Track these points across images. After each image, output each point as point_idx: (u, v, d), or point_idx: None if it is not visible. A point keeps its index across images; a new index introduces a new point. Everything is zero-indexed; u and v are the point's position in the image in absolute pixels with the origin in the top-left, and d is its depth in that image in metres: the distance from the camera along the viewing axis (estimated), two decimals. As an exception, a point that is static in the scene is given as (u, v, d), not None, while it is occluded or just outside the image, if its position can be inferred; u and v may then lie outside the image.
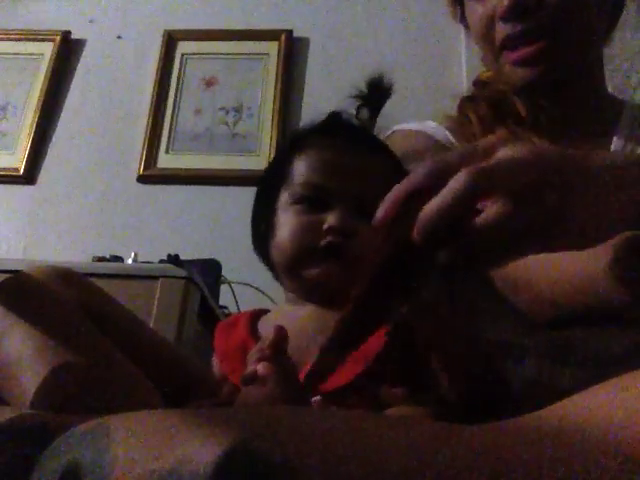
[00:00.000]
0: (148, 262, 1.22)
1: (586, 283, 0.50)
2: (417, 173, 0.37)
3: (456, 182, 0.34)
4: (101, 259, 1.26)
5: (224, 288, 1.39)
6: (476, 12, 0.73)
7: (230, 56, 2.01)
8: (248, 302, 1.35)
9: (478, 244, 0.35)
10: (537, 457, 0.27)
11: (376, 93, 0.71)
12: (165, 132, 1.90)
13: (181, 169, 1.85)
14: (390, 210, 0.37)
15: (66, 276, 0.62)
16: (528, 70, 0.70)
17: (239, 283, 1.41)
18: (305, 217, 0.63)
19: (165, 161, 1.86)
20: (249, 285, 1.37)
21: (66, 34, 2.09)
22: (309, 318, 0.62)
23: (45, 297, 0.56)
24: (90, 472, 0.27)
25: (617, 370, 0.31)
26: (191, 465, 0.25)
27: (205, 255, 1.39)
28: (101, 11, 2.15)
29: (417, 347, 0.57)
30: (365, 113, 0.71)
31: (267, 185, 0.71)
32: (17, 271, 0.59)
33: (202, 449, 0.25)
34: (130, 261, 1.25)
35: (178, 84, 1.98)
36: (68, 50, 2.07)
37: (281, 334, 0.52)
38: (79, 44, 2.10)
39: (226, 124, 1.90)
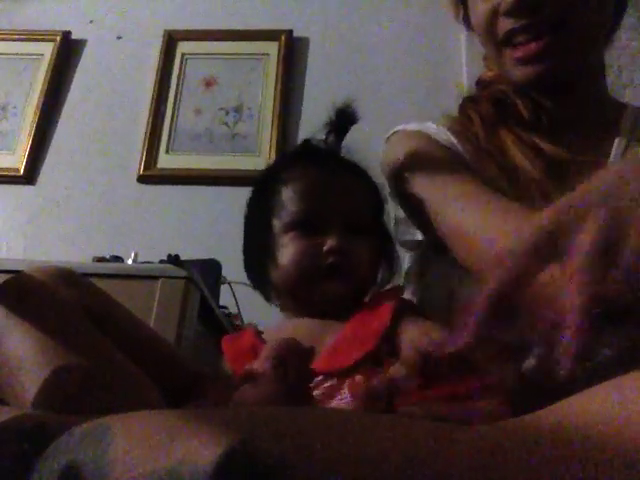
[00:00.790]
0: (148, 262, 1.21)
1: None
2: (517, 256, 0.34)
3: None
4: (101, 259, 1.26)
5: (224, 288, 1.39)
6: (480, 7, 0.72)
7: (230, 56, 2.01)
8: (248, 302, 1.35)
9: None
10: (537, 457, 0.27)
11: (342, 120, 0.77)
12: (165, 132, 1.90)
13: (181, 169, 1.85)
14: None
15: (67, 276, 0.62)
16: (530, 68, 0.69)
17: (239, 283, 1.40)
18: (303, 242, 0.68)
19: (165, 161, 1.86)
20: (249, 285, 1.37)
21: (66, 34, 2.09)
22: (308, 328, 0.66)
23: (46, 298, 0.56)
24: (90, 472, 0.27)
25: (613, 371, 0.31)
26: (191, 465, 0.25)
27: (205, 255, 1.39)
28: (101, 11, 2.15)
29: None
30: (332, 139, 0.77)
31: (256, 216, 0.76)
32: (17, 271, 0.58)
33: (202, 449, 0.25)
34: (130, 261, 1.25)
35: (178, 84, 1.98)
36: (68, 50, 2.08)
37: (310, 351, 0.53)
38: (79, 44, 2.10)
39: (226, 124, 1.90)
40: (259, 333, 0.72)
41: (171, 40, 2.04)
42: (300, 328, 0.66)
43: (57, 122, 1.98)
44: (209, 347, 1.15)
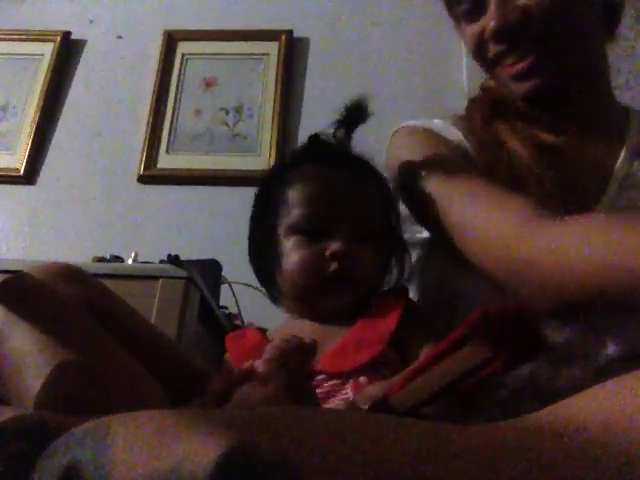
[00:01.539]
0: (148, 262, 1.22)
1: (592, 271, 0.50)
2: None
3: None
4: (101, 259, 1.26)
5: (224, 288, 1.39)
6: (467, 32, 0.75)
7: (230, 56, 2.01)
8: (248, 302, 1.35)
9: None
10: (537, 457, 0.27)
11: (353, 114, 0.75)
12: (165, 132, 1.90)
13: (181, 169, 1.85)
14: None
15: (68, 273, 0.62)
16: (525, 84, 0.70)
17: (239, 283, 1.40)
18: (307, 248, 0.67)
19: (165, 161, 1.86)
20: (249, 285, 1.37)
21: (66, 34, 2.09)
22: (312, 330, 0.66)
23: (47, 295, 0.56)
24: (90, 472, 0.27)
25: (613, 372, 0.31)
26: (191, 465, 0.25)
27: (205, 255, 1.39)
28: (101, 11, 2.15)
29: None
30: (341, 133, 0.75)
31: (261, 217, 0.75)
32: (17, 271, 0.58)
33: (202, 449, 0.25)
34: (130, 261, 1.25)
35: (178, 84, 1.98)
36: (68, 50, 2.07)
37: (314, 345, 0.53)
38: (79, 44, 2.10)
39: (226, 124, 1.90)
40: (263, 331, 0.72)
41: (171, 40, 2.04)
42: (305, 329, 0.66)
43: (57, 122, 1.97)
44: (209, 347, 1.15)
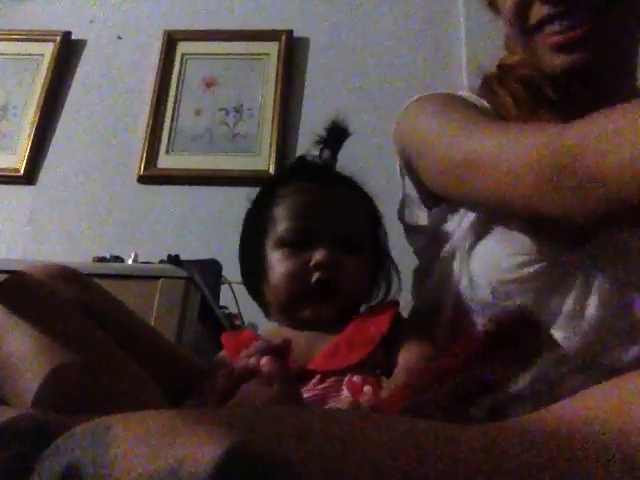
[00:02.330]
0: (148, 262, 1.22)
1: None
2: None
3: None
4: (101, 259, 1.26)
5: (224, 288, 1.39)
6: None
7: (230, 56, 2.01)
8: (248, 302, 1.34)
9: None
10: (537, 457, 0.27)
11: (335, 135, 0.78)
12: (165, 132, 1.90)
13: (181, 169, 1.85)
14: None
15: (66, 274, 0.62)
16: (569, 57, 0.64)
17: (239, 283, 1.40)
18: (292, 260, 0.69)
19: (165, 161, 1.86)
20: (249, 285, 1.37)
21: (66, 34, 2.09)
22: (302, 336, 0.67)
23: (45, 296, 0.56)
24: (90, 472, 0.27)
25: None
26: (191, 465, 0.25)
27: (205, 255, 1.39)
28: (101, 11, 2.15)
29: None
30: (327, 154, 0.78)
31: (251, 231, 0.78)
32: (17, 271, 0.58)
33: (202, 449, 0.25)
34: (130, 261, 1.25)
35: (178, 84, 1.98)
36: (68, 50, 2.08)
37: (288, 343, 0.53)
38: (79, 44, 2.10)
39: (226, 124, 1.90)
40: (257, 334, 0.73)
41: (171, 40, 2.04)
42: (295, 338, 0.67)
43: (57, 122, 1.98)
44: (209, 347, 1.15)
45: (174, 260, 1.16)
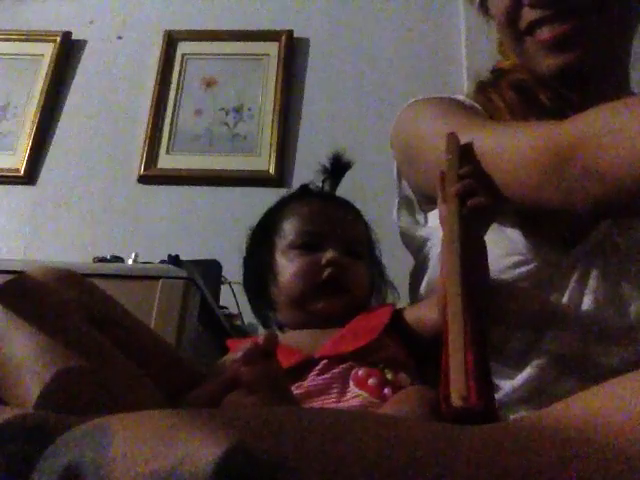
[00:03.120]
0: (148, 262, 1.22)
1: None
2: None
3: None
4: (101, 259, 1.26)
5: (224, 288, 1.39)
6: None
7: (230, 56, 2.01)
8: (248, 302, 1.35)
9: None
10: (537, 457, 0.27)
11: (336, 168, 0.84)
12: (165, 132, 1.90)
13: (181, 169, 1.85)
14: None
15: (67, 277, 0.62)
16: (560, 56, 0.66)
17: (240, 283, 1.40)
18: (304, 258, 0.74)
19: (165, 161, 1.86)
20: (249, 285, 1.37)
21: (66, 35, 2.09)
22: (308, 336, 0.70)
23: (46, 299, 0.56)
24: (90, 472, 0.27)
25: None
26: (191, 465, 0.25)
27: (205, 255, 1.39)
28: (101, 12, 2.15)
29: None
30: (327, 185, 0.85)
31: (258, 241, 0.82)
32: (17, 271, 0.58)
33: (202, 449, 0.25)
34: (130, 261, 1.25)
35: (178, 84, 1.98)
36: (68, 51, 2.08)
37: (271, 338, 0.54)
38: (79, 45, 2.10)
39: (226, 124, 1.90)
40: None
41: (171, 40, 2.04)
42: (301, 335, 0.71)
43: (57, 122, 1.98)
44: (209, 347, 1.15)
45: (174, 260, 1.16)
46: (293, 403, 0.54)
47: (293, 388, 0.60)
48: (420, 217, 0.77)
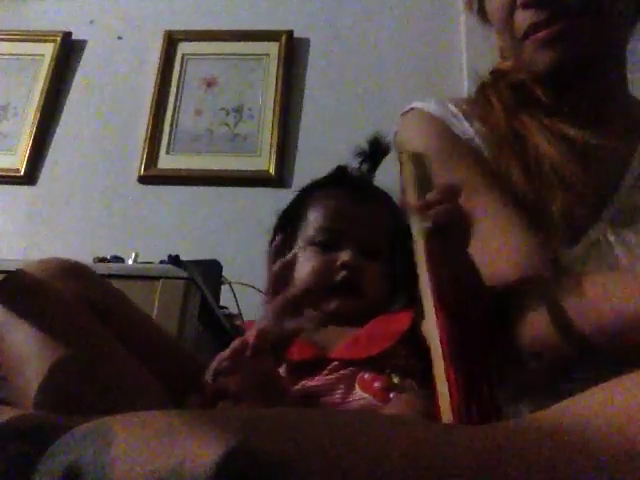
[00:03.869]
0: (149, 263, 1.22)
1: None
2: None
3: None
4: (102, 259, 1.26)
5: (225, 289, 1.39)
6: (496, 0, 0.71)
7: (231, 57, 2.01)
8: (249, 303, 1.35)
9: None
10: (537, 457, 0.27)
11: (375, 150, 0.82)
12: (166, 133, 1.90)
13: (182, 170, 1.85)
14: None
15: (68, 269, 0.62)
16: (556, 52, 0.67)
17: (240, 283, 1.40)
18: (321, 257, 0.74)
19: (166, 162, 1.86)
20: (250, 285, 1.37)
21: (67, 35, 2.09)
22: (324, 334, 0.70)
23: (45, 293, 0.56)
24: (91, 472, 0.27)
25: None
26: (192, 465, 0.25)
27: (206, 255, 1.39)
28: (101, 12, 2.15)
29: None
30: (365, 167, 0.83)
31: (283, 233, 0.81)
32: (16, 269, 0.58)
33: (203, 449, 0.25)
34: (131, 262, 1.25)
35: (179, 85, 1.98)
36: (69, 51, 2.07)
37: (262, 335, 0.54)
38: (80, 45, 2.10)
39: (226, 125, 1.90)
40: None
41: (171, 40, 2.04)
42: (318, 331, 0.71)
43: (58, 122, 1.97)
44: (209, 347, 1.15)
45: (174, 260, 1.16)
46: (287, 404, 0.54)
47: (301, 384, 0.60)
48: None
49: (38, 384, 0.48)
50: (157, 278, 1.08)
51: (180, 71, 2.00)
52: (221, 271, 1.37)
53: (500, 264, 0.61)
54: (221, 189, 1.80)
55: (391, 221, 0.79)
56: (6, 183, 1.89)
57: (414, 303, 0.75)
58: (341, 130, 1.83)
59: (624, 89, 0.77)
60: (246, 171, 1.81)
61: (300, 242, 0.77)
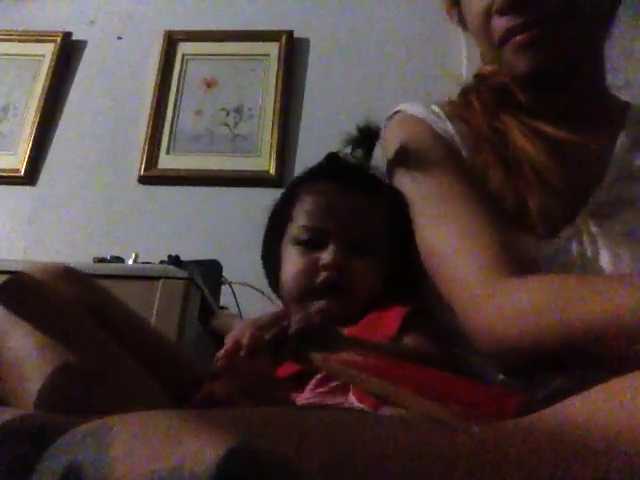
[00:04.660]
0: (149, 263, 1.22)
1: None
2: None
3: None
4: (102, 260, 1.26)
5: (225, 289, 1.39)
6: (474, 7, 0.72)
7: (231, 57, 2.01)
8: (249, 303, 1.35)
9: None
10: (537, 457, 0.27)
11: (368, 135, 0.78)
12: (166, 133, 1.90)
13: (182, 170, 1.85)
14: None
15: (67, 274, 0.62)
16: (530, 55, 0.68)
17: (240, 284, 1.40)
18: (303, 258, 0.72)
19: (166, 162, 1.86)
20: (250, 286, 1.37)
21: (67, 35, 2.09)
22: None
23: (46, 296, 0.57)
24: (91, 473, 0.27)
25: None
26: (192, 465, 0.25)
27: (206, 256, 1.39)
28: (102, 12, 2.15)
29: None
30: (360, 153, 0.78)
31: (273, 225, 0.80)
32: (17, 272, 0.58)
33: (203, 449, 0.25)
34: (131, 262, 1.25)
35: (179, 85, 1.98)
36: (69, 51, 2.08)
37: (256, 337, 0.53)
38: (80, 45, 2.10)
39: (227, 125, 1.90)
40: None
41: (171, 41, 2.04)
42: None
43: (58, 123, 1.98)
44: (209, 347, 1.15)
45: (174, 260, 1.17)
46: (286, 404, 0.53)
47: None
48: None
49: (38, 387, 0.48)
50: (157, 278, 1.09)
51: (180, 71, 2.00)
52: (221, 271, 1.37)
53: (465, 264, 0.62)
54: (221, 189, 1.80)
55: (387, 210, 0.74)
56: (6, 183, 1.89)
57: (412, 296, 0.74)
58: (341, 130, 1.83)
59: (603, 86, 0.78)
60: (246, 171, 1.81)
61: (286, 240, 0.75)
